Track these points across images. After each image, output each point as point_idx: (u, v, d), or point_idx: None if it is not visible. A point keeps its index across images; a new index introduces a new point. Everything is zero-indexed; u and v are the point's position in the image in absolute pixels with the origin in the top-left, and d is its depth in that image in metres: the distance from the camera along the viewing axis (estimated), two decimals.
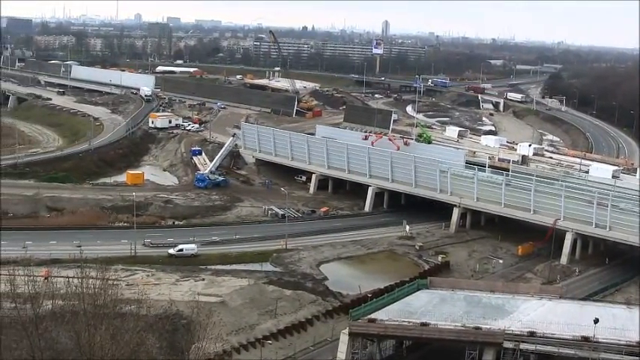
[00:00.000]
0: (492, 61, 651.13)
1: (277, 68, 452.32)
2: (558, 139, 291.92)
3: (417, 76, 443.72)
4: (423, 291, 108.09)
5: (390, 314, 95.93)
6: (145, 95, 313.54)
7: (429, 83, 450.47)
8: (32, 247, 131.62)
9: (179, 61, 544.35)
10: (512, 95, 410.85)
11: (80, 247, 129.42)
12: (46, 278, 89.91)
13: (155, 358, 66.30)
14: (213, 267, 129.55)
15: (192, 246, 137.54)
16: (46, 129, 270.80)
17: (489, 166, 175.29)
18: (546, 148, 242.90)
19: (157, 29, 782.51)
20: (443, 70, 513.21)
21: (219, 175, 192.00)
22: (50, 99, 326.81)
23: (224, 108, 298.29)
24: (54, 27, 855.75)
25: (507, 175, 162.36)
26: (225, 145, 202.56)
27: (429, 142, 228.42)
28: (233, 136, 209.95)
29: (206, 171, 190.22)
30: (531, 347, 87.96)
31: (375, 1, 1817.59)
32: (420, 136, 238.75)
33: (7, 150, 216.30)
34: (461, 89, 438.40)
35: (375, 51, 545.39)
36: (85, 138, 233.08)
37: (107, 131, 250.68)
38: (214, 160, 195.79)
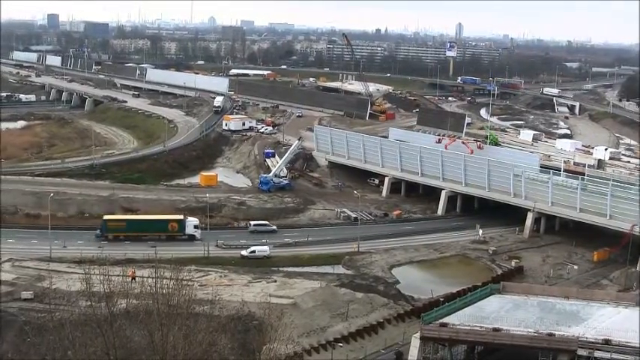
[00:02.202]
0: (568, 64, 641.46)
1: (350, 71, 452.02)
2: (636, 143, 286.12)
3: (490, 79, 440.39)
4: (495, 296, 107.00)
5: (462, 319, 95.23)
6: (215, 106, 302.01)
7: (458, 81, 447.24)
8: (108, 247, 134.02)
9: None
10: (548, 90, 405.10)
11: (154, 247, 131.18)
12: (132, 279, 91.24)
13: (227, 358, 66.61)
14: (285, 269, 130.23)
15: (265, 248, 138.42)
16: (121, 131, 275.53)
17: (564, 170, 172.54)
18: (623, 152, 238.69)
19: (230, 32, 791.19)
20: (517, 73, 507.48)
21: (284, 177, 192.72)
22: (126, 101, 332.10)
23: (300, 116, 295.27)
24: (130, 31, 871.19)
25: (583, 179, 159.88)
26: (291, 149, 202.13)
27: (496, 144, 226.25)
28: (299, 139, 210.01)
29: (270, 174, 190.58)
30: (606, 355, 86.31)
31: (449, 1, 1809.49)
32: (486, 137, 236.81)
33: (85, 151, 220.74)
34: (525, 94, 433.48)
35: (448, 53, 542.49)
36: (159, 140, 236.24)
37: (181, 133, 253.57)
38: (279, 164, 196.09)
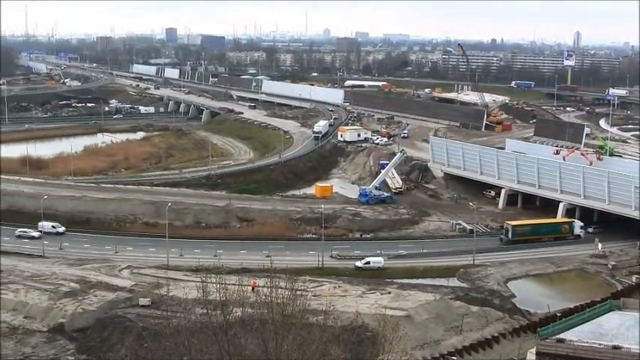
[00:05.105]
0: None
1: (466, 81, 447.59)
2: None
3: (610, 88, 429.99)
4: (615, 312, 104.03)
5: (580, 335, 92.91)
6: (314, 132, 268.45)
7: (512, 84, 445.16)
8: (224, 256, 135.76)
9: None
10: (614, 92, 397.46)
11: (269, 257, 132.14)
12: (252, 289, 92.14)
13: None
14: (399, 280, 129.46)
15: (379, 259, 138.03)
16: (237, 142, 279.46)
17: None
18: None
19: (345, 44, 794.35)
20: (638, 82, 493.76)
21: (399, 188, 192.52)
22: (242, 113, 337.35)
23: (406, 136, 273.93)
24: (245, 43, 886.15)
25: None
26: (393, 161, 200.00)
27: (611, 155, 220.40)
28: (401, 151, 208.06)
29: (370, 186, 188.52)
30: None
31: (566, 1, 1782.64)
32: (600, 147, 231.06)
33: (201, 162, 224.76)
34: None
35: (566, 63, 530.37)
36: (275, 151, 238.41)
37: (297, 144, 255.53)
38: (379, 176, 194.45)
